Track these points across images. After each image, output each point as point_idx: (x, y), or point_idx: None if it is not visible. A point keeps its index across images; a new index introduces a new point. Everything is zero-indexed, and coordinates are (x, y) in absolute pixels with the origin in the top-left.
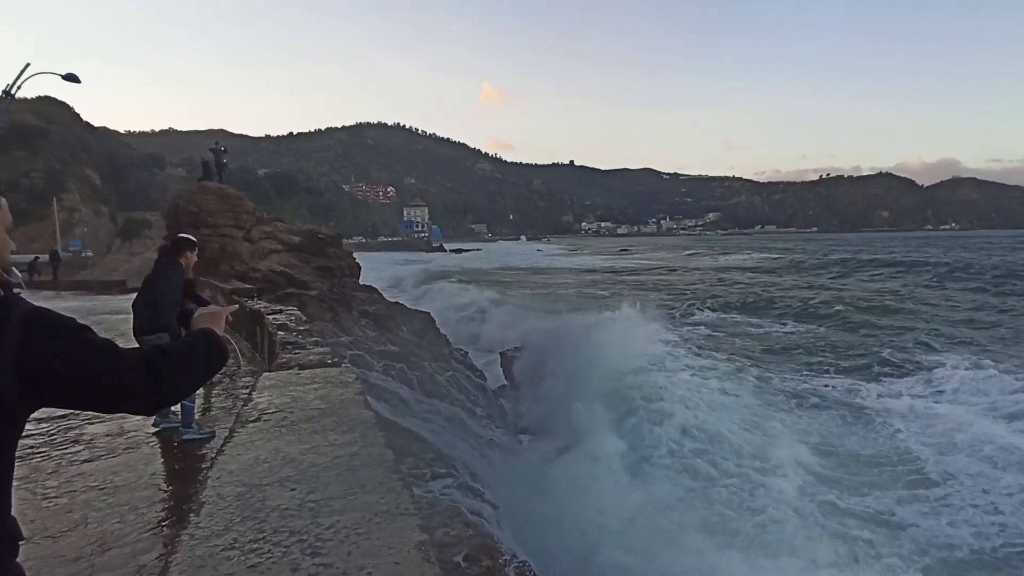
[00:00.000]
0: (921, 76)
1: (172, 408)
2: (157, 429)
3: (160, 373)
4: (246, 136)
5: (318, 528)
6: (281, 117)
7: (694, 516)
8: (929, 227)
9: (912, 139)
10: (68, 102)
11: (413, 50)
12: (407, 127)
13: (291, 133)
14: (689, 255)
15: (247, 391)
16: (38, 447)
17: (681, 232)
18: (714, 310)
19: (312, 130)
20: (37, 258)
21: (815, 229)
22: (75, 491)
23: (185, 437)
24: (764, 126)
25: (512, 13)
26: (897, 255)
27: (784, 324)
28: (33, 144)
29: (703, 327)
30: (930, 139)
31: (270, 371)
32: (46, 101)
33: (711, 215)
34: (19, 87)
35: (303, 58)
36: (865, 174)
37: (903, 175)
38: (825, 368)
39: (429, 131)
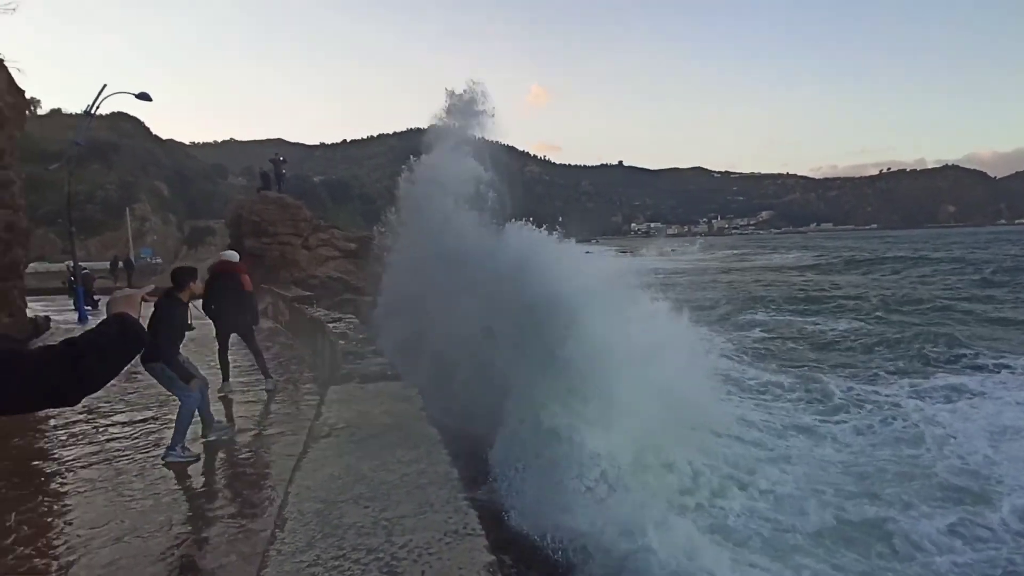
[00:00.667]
0: (993, 60)
1: (216, 419)
2: (208, 440)
3: (72, 365)
4: (302, 145)
5: (392, 547)
6: (335, 125)
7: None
8: (1003, 221)
9: (983, 128)
10: (139, 117)
11: (460, 54)
12: None
13: (344, 141)
14: (741, 254)
15: (310, 398)
16: (124, 450)
17: (733, 231)
18: (767, 310)
19: (365, 137)
20: (117, 260)
21: (875, 226)
22: (159, 494)
23: (167, 459)
24: (819, 121)
25: (558, 13)
26: (960, 251)
27: (838, 323)
28: (108, 158)
29: (756, 329)
30: (1004, 127)
31: (335, 383)
32: (119, 117)
33: (764, 213)
34: (98, 107)
35: (355, 66)
36: (930, 167)
37: (972, 167)
38: (881, 370)
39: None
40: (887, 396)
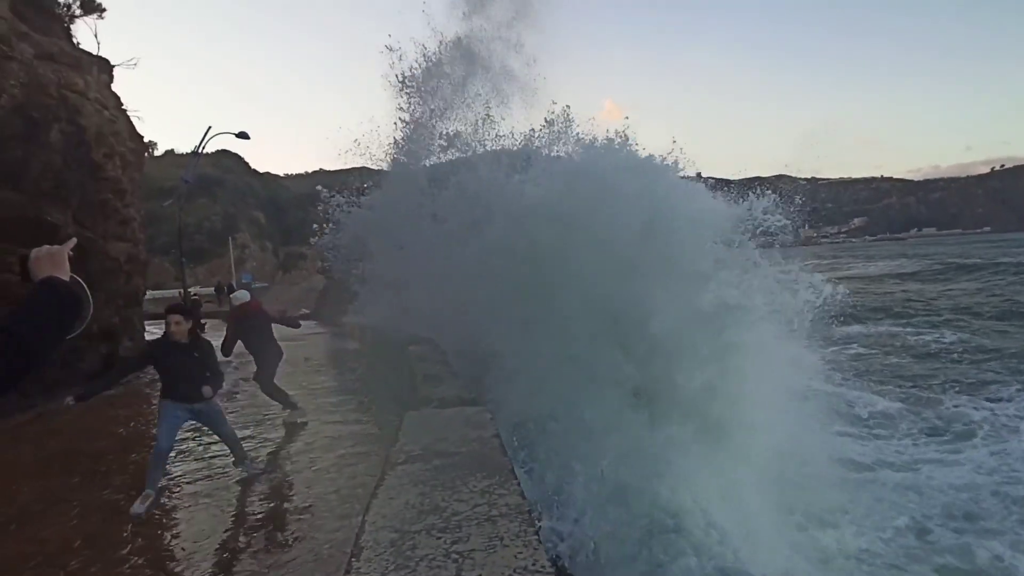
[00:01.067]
0: None
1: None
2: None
3: (8, 350)
4: (384, 172)
5: None
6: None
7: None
8: None
9: None
10: (239, 153)
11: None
12: None
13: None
14: (831, 263)
15: (391, 419)
16: (224, 468)
17: (823, 240)
18: (864, 322)
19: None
20: (221, 285)
21: (987, 229)
22: (254, 511)
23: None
24: (914, 119)
25: (625, 24)
26: None
27: (944, 335)
28: (212, 192)
29: (854, 344)
30: None
31: (413, 407)
32: (222, 154)
33: (856, 220)
34: (204, 147)
35: None
36: None
37: None
38: (996, 385)
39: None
40: (1007, 419)
